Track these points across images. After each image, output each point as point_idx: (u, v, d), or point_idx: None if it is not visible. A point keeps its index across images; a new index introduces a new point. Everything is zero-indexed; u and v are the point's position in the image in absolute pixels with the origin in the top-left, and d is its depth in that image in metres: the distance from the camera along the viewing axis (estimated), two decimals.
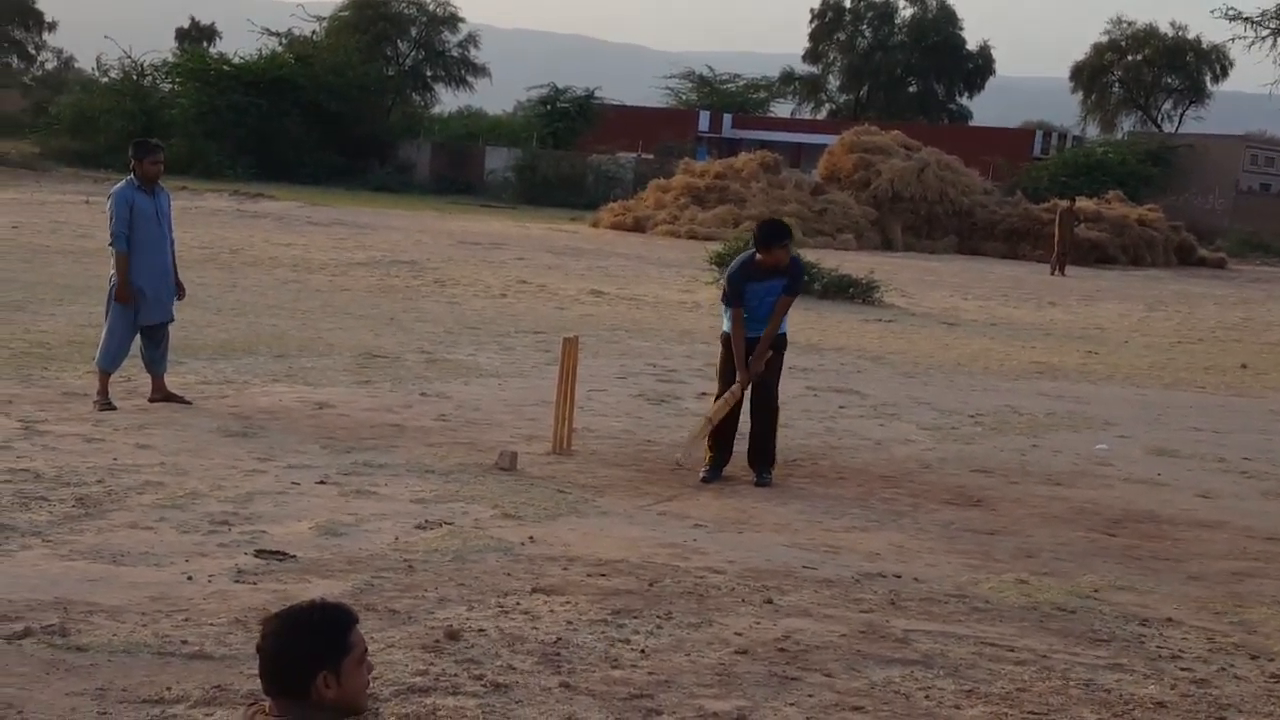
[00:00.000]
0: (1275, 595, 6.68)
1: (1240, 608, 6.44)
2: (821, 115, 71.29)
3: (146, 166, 9.56)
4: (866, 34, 71.33)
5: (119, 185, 9.66)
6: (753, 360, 8.56)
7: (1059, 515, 8.19)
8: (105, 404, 9.29)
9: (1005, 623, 5.96)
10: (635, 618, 5.64)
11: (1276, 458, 10.58)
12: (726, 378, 8.67)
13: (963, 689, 5.11)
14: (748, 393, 8.62)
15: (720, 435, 8.60)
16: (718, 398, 8.70)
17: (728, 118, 61.24)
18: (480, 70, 63.67)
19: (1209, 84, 64.25)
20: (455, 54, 63.30)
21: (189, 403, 9.62)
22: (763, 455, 8.59)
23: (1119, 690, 5.20)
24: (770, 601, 6.01)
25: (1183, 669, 5.51)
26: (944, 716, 4.85)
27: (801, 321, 17.26)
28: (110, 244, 9.56)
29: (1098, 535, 7.76)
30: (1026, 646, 5.64)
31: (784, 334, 8.76)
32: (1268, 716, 5.03)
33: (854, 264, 23.44)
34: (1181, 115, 64.77)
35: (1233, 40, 60.83)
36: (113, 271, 9.57)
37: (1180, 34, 63.62)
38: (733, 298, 8.58)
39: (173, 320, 9.88)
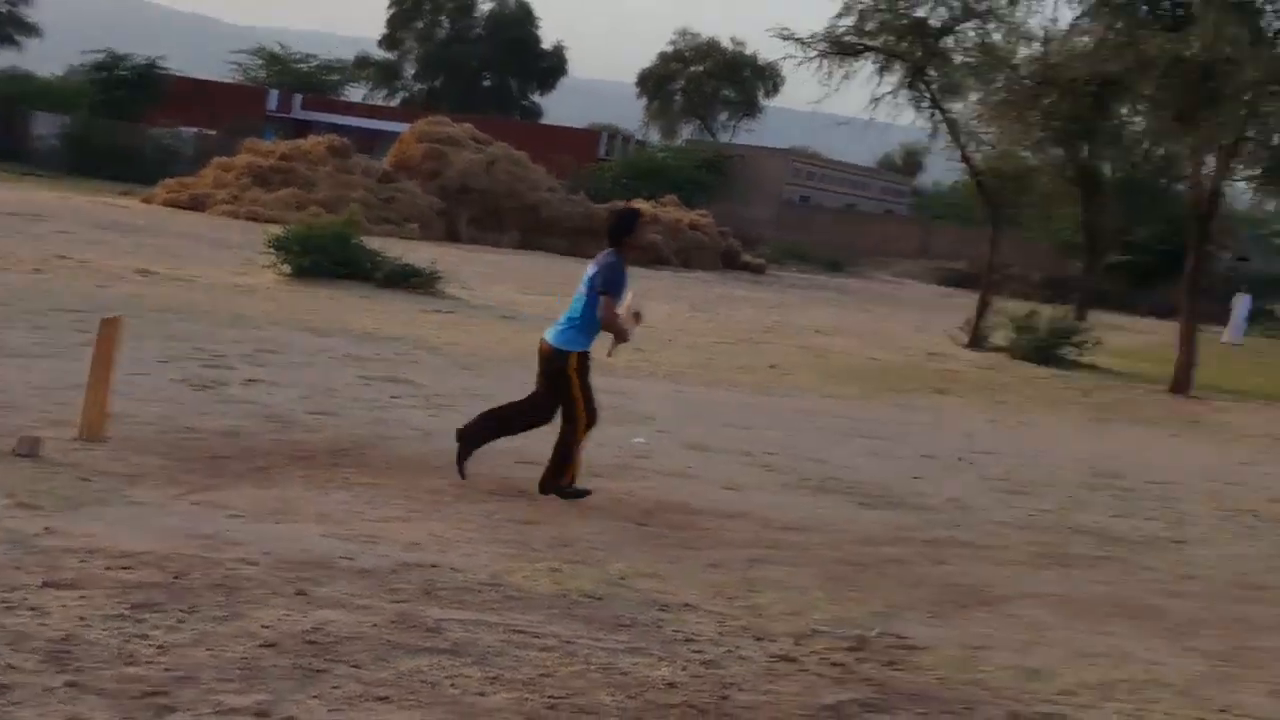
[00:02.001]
0: (781, 579, 7.19)
1: (751, 592, 6.88)
2: (396, 103, 70.87)
3: None
4: (445, 24, 71.49)
5: None
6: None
7: (597, 506, 8.50)
8: None
9: (535, 610, 6.13)
10: (156, 612, 5.43)
11: (797, 452, 11.38)
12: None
13: (488, 675, 5.22)
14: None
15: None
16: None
17: (298, 98, 59.84)
18: (31, 29, 59.43)
19: (762, 99, 68.28)
20: (3, 10, 58.83)
21: None
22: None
23: (635, 673, 5.45)
24: (303, 593, 5.93)
25: (694, 651, 5.83)
26: (468, 703, 4.94)
27: (359, 310, 17.12)
28: None
29: (630, 525, 8.11)
30: (553, 633, 5.82)
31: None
32: (766, 693, 5.41)
33: (418, 254, 23.43)
34: (735, 127, 68.54)
35: (784, 59, 64.74)
36: None
37: (739, 49, 67.32)
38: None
39: None
